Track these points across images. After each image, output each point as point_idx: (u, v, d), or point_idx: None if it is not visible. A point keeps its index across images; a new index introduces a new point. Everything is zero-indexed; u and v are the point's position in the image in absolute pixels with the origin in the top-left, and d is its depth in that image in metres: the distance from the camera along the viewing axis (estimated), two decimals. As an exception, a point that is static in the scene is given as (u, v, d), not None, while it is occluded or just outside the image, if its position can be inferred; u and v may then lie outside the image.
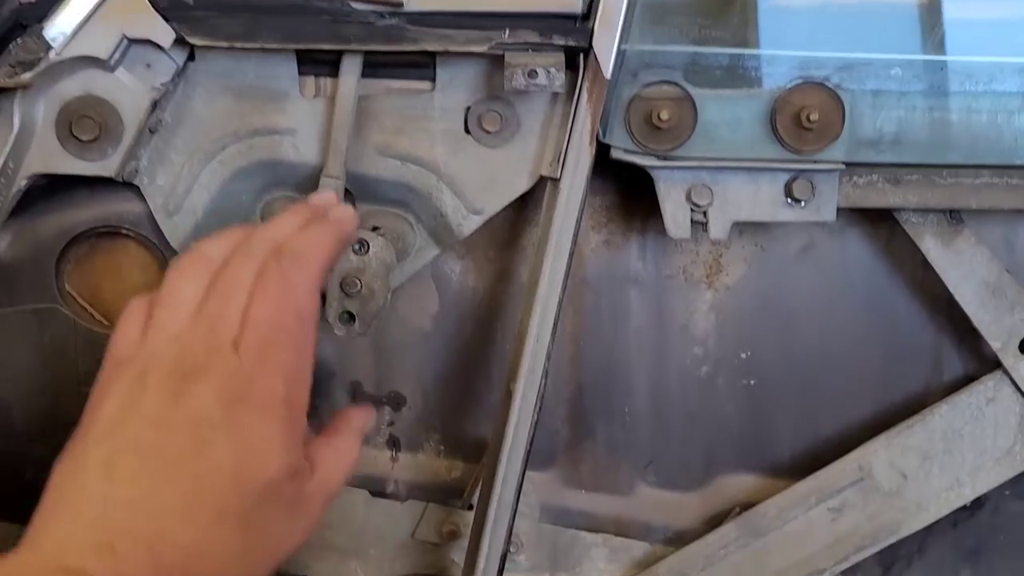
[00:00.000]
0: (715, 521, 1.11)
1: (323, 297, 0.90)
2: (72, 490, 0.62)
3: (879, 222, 1.05)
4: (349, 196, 1.01)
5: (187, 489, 0.62)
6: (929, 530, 1.08)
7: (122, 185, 0.99)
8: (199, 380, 0.67)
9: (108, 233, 1.04)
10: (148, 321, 0.77)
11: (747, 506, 1.09)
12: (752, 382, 1.10)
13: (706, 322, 1.09)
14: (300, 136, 0.98)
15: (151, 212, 1.00)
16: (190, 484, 0.62)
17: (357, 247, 0.93)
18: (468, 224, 1.00)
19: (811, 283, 1.08)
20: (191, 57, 0.96)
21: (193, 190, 0.99)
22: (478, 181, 0.99)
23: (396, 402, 1.12)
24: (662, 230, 0.98)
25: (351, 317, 0.93)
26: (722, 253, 1.08)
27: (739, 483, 1.13)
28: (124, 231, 1.03)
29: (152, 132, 0.97)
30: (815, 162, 0.95)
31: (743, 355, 1.09)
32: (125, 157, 0.96)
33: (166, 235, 1.01)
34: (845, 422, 1.11)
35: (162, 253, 1.04)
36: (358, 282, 0.92)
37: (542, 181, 0.98)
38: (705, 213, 0.97)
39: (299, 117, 0.98)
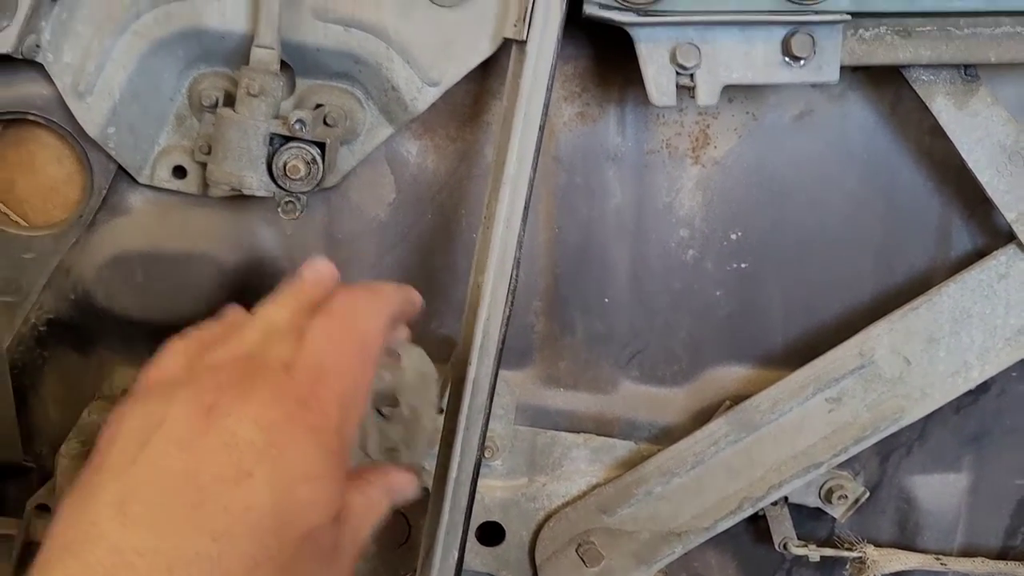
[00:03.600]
0: (704, 416, 1.04)
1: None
2: (78, 537, 0.50)
3: (885, 83, 0.95)
4: (286, 69, 0.89)
5: (218, 531, 0.50)
6: (930, 417, 1.01)
7: (24, 64, 0.87)
8: (239, 395, 0.56)
9: (15, 121, 0.92)
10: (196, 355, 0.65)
11: (738, 399, 1.01)
12: (743, 265, 1.01)
13: (692, 200, 0.99)
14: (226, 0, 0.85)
15: (60, 95, 0.88)
16: (222, 525, 0.51)
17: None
18: (424, 98, 0.89)
19: (808, 154, 0.97)
20: (91, -92, 0.83)
21: (106, 67, 0.87)
22: (433, 47, 0.87)
23: (354, 300, 1.02)
24: (643, 99, 0.88)
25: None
26: (709, 124, 0.97)
27: (729, 375, 1.05)
28: (32, 117, 0.91)
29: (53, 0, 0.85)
30: (816, 13, 0.83)
31: (733, 236, 1.00)
32: (23, 30, 0.83)
33: (79, 120, 0.89)
34: (844, 306, 1.02)
35: (78, 142, 0.92)
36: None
37: (506, 45, 0.86)
38: (692, 76, 0.86)
39: (222, -24, 0.85)
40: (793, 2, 0.83)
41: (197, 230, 0.97)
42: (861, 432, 0.99)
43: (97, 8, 0.86)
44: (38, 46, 0.86)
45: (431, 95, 0.89)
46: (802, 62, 0.85)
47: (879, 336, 0.97)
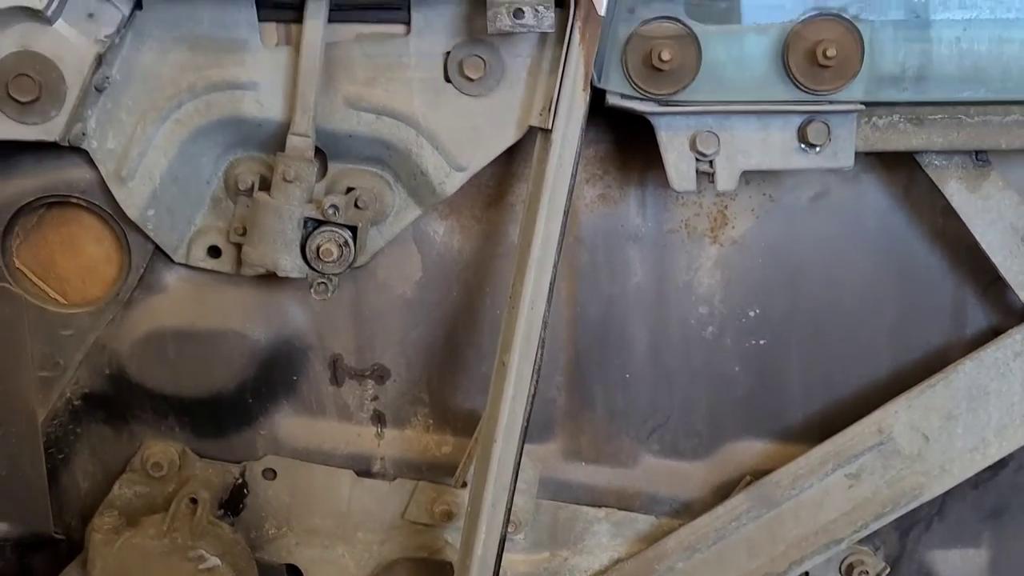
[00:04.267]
0: (724, 491, 1.05)
1: None
2: None
3: (898, 167, 0.97)
4: (319, 154, 0.93)
5: None
6: (949, 492, 1.02)
7: (69, 150, 0.90)
8: None
9: (58, 203, 0.95)
10: None
11: (758, 474, 1.02)
12: (761, 342, 1.03)
13: (711, 279, 1.01)
14: (263, 90, 0.89)
15: (103, 179, 0.92)
16: None
17: None
18: (451, 182, 0.92)
19: (824, 234, 1.00)
20: (138, 5, 0.87)
21: (148, 153, 0.91)
22: (461, 134, 0.90)
23: (380, 375, 1.04)
24: (662, 181, 0.91)
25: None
26: (727, 204, 0.99)
27: (748, 450, 1.06)
28: (75, 200, 0.94)
29: (99, 90, 0.88)
30: (831, 103, 0.87)
31: (751, 313, 1.02)
32: (70, 119, 0.87)
33: (120, 203, 0.92)
34: (861, 382, 1.04)
35: (118, 223, 0.95)
36: None
37: (531, 132, 0.90)
38: (711, 163, 0.89)
39: (261, 68, 0.89)
40: (808, 92, 0.86)
41: (229, 308, 1.00)
42: (881, 508, 1.00)
43: (141, 98, 0.89)
44: (83, 134, 0.89)
45: (458, 179, 0.92)
46: (818, 149, 0.88)
47: (897, 413, 0.98)
